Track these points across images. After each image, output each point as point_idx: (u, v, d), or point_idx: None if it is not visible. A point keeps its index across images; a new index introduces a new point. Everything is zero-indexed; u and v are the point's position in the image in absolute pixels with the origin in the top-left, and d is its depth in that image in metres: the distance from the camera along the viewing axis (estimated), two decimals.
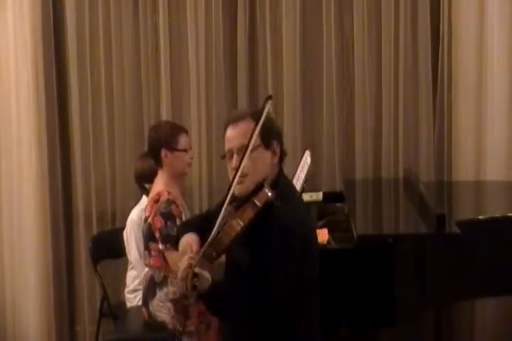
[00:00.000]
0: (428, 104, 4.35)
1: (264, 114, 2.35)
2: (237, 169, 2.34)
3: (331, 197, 3.98)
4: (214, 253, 2.28)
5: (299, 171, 3.73)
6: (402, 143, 4.35)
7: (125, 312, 3.90)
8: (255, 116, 2.39)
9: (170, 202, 3.27)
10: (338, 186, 4.31)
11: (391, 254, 3.06)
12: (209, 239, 2.28)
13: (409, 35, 4.32)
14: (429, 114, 4.35)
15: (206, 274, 2.23)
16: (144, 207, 3.50)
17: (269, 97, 2.38)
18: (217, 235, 2.28)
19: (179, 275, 2.23)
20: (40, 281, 4.50)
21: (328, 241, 3.18)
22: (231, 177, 2.39)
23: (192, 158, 3.52)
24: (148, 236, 3.31)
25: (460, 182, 4.24)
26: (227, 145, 2.43)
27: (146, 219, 3.34)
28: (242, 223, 2.28)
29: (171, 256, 3.19)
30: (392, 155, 4.37)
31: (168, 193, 3.30)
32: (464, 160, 4.29)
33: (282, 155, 2.49)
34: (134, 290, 3.88)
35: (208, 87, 4.46)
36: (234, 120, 2.44)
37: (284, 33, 4.38)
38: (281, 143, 2.48)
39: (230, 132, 2.43)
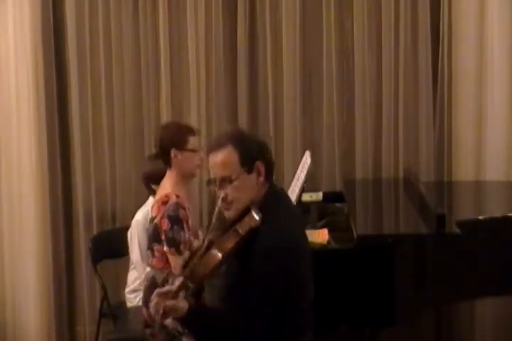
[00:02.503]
0: (428, 104, 4.35)
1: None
2: (222, 199, 2.38)
3: (331, 197, 3.98)
4: (190, 284, 2.28)
5: (299, 171, 3.73)
6: (402, 143, 4.35)
7: (125, 312, 3.90)
8: (235, 142, 2.40)
9: (179, 205, 3.25)
10: (338, 186, 4.31)
11: (391, 254, 3.06)
12: (188, 270, 2.31)
13: (409, 35, 4.32)
14: (429, 114, 4.35)
15: (181, 304, 2.24)
16: (150, 207, 3.49)
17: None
18: (196, 263, 2.32)
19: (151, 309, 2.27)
20: (40, 281, 4.50)
21: (328, 241, 3.17)
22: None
23: (201, 160, 3.49)
24: (153, 237, 3.30)
25: (460, 182, 4.24)
26: (211, 174, 2.45)
27: (152, 220, 3.33)
28: (220, 254, 2.29)
29: (173, 260, 3.19)
30: (392, 155, 4.37)
31: (177, 197, 3.29)
32: (464, 160, 4.29)
33: (270, 170, 2.46)
34: (135, 291, 3.88)
35: (208, 87, 4.46)
36: (214, 148, 2.42)
37: (284, 33, 4.38)
38: (265, 160, 2.45)
39: (210, 161, 2.44)
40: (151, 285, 3.36)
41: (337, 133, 4.41)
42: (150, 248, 3.33)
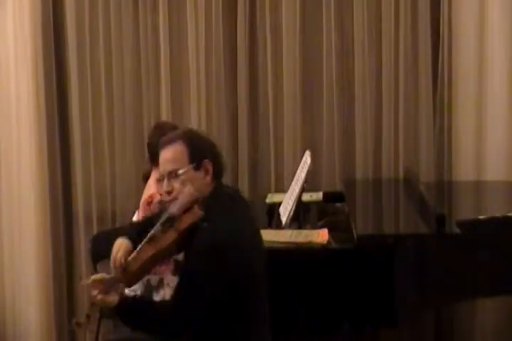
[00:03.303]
0: (428, 104, 4.34)
1: None
2: (168, 193, 2.43)
3: (331, 197, 3.98)
4: (122, 277, 2.35)
5: (299, 171, 3.73)
6: (402, 143, 4.35)
7: None
8: (185, 138, 2.46)
9: (162, 204, 3.25)
10: (338, 186, 4.30)
11: (391, 254, 3.06)
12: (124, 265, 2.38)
13: (409, 35, 4.32)
14: (429, 114, 4.35)
15: (111, 298, 2.29)
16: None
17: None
18: (132, 256, 2.37)
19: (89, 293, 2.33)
20: (40, 281, 4.50)
21: (328, 241, 3.17)
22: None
23: None
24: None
25: (460, 182, 4.24)
26: (161, 169, 2.49)
27: None
28: (154, 249, 2.33)
29: None
30: (392, 155, 4.36)
31: (161, 195, 3.29)
32: (464, 160, 4.28)
33: (219, 171, 2.52)
34: (134, 290, 3.87)
35: (208, 87, 4.45)
36: (164, 144, 2.48)
37: (284, 33, 4.38)
38: (214, 160, 2.50)
39: (161, 157, 2.48)
40: (146, 289, 3.36)
41: (337, 133, 4.41)
42: None
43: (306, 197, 3.84)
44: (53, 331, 4.57)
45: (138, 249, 2.40)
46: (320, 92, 4.43)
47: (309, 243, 3.14)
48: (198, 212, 2.37)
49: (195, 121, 4.44)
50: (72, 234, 4.63)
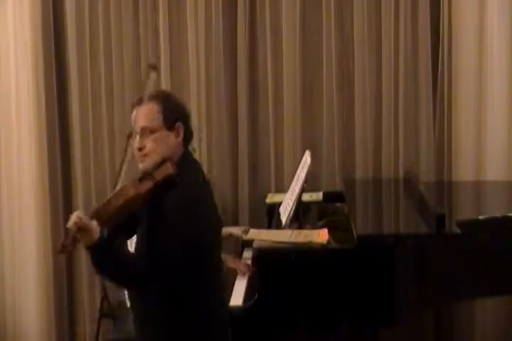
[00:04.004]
0: (428, 104, 4.34)
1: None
2: (139, 149, 2.44)
3: (331, 197, 3.98)
4: (104, 214, 2.33)
5: (299, 171, 3.73)
6: (402, 143, 4.35)
7: (125, 312, 3.89)
8: (156, 96, 2.49)
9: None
10: (338, 186, 4.30)
11: (391, 254, 3.06)
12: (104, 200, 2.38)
13: (409, 35, 4.32)
14: (429, 114, 4.35)
15: (95, 227, 2.27)
16: None
17: (152, 67, 2.50)
18: (110, 198, 2.37)
19: (67, 225, 2.28)
20: (40, 281, 4.51)
21: (328, 241, 3.17)
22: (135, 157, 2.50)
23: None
24: None
25: (460, 182, 4.24)
26: (134, 127, 2.50)
27: None
28: (136, 190, 2.34)
29: None
30: (392, 155, 4.36)
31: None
32: (464, 160, 4.28)
33: (188, 136, 2.54)
34: None
35: (208, 87, 4.46)
36: (139, 102, 2.50)
37: (284, 33, 4.38)
38: (186, 124, 2.52)
39: (134, 115, 2.50)
40: None
41: (337, 133, 4.41)
42: None
43: (306, 197, 3.84)
44: (53, 331, 4.57)
45: (119, 188, 2.44)
46: (320, 92, 4.44)
47: (309, 243, 3.14)
48: (171, 167, 2.39)
49: (195, 121, 4.42)
50: None
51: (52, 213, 4.53)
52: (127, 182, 2.44)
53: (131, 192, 2.36)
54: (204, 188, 2.54)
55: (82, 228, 2.25)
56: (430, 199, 3.42)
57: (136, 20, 4.49)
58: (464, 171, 4.28)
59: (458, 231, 3.13)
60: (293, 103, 4.41)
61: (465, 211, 3.70)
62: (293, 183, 3.68)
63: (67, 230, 2.28)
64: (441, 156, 4.37)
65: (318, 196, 3.98)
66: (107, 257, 2.32)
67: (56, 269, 4.57)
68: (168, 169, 2.38)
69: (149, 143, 2.44)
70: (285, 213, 3.50)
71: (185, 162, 2.50)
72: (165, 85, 4.45)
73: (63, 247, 2.32)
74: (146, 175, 2.39)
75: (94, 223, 2.28)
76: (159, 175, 2.37)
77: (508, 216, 3.36)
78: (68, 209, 4.60)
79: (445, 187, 4.34)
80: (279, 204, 3.72)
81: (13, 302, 4.57)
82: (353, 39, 4.36)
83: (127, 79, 4.52)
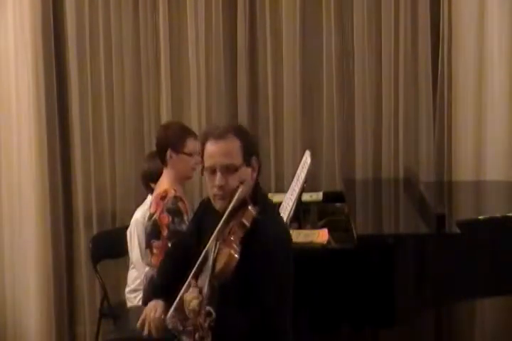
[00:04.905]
0: (428, 104, 4.34)
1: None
2: (220, 187, 2.37)
3: (331, 197, 3.98)
4: (223, 277, 2.27)
5: (299, 171, 3.73)
6: (402, 143, 4.35)
7: (125, 312, 3.89)
8: (237, 132, 2.43)
9: (177, 198, 3.27)
10: (338, 186, 4.30)
11: (391, 254, 3.06)
12: (208, 265, 2.30)
13: (409, 35, 4.32)
14: (429, 114, 4.35)
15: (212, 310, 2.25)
16: (148, 206, 3.49)
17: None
18: (216, 259, 2.28)
19: (191, 307, 2.27)
20: (40, 281, 4.51)
21: (328, 241, 3.18)
22: (211, 193, 2.43)
23: (197, 164, 3.50)
24: (152, 234, 3.30)
25: (460, 182, 4.24)
26: (210, 162, 2.43)
27: (150, 217, 3.33)
28: (237, 248, 2.27)
29: None
30: (392, 155, 4.36)
31: (175, 191, 3.30)
32: (464, 160, 4.28)
33: (259, 168, 2.50)
34: (135, 290, 3.88)
35: (208, 88, 4.46)
36: (216, 136, 2.43)
37: (284, 34, 4.38)
38: (258, 157, 2.50)
39: (213, 149, 2.43)
40: (150, 285, 3.36)
41: (337, 133, 4.41)
42: (149, 246, 3.33)
43: (306, 197, 3.84)
44: (53, 331, 4.57)
45: (219, 247, 2.33)
46: (320, 92, 4.44)
47: (309, 243, 3.14)
48: (253, 209, 2.35)
49: (195, 120, 4.44)
50: (72, 234, 4.63)
51: (52, 213, 4.53)
52: (219, 234, 2.33)
53: (235, 256, 2.26)
54: (283, 222, 2.56)
55: None
56: (430, 199, 3.42)
57: (136, 20, 4.50)
58: (463, 171, 4.28)
59: (458, 231, 3.12)
60: (293, 103, 4.41)
61: (465, 211, 3.70)
62: (293, 183, 3.68)
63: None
64: (441, 156, 4.37)
65: (318, 196, 3.98)
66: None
67: (56, 269, 4.57)
68: (253, 213, 2.33)
69: (233, 182, 2.38)
70: (285, 213, 3.49)
71: (259, 195, 2.48)
72: (165, 85, 4.46)
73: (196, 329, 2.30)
74: (236, 222, 2.33)
75: None
76: (247, 221, 2.32)
77: (508, 216, 3.36)
78: (68, 210, 4.62)
79: (445, 187, 4.34)
80: (279, 204, 3.72)
81: (13, 302, 4.57)
82: (353, 39, 4.36)
83: (127, 79, 4.52)
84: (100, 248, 4.18)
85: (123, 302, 4.00)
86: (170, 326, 3.26)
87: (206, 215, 2.57)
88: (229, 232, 2.31)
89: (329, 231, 3.27)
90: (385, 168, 4.38)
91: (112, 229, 4.49)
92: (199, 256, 2.35)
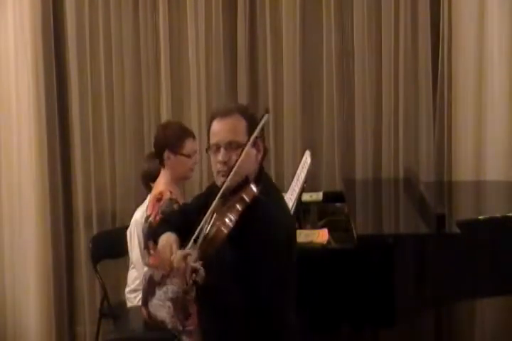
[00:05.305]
0: (428, 104, 4.35)
1: (259, 127, 2.37)
2: (224, 163, 2.37)
3: (331, 197, 3.98)
4: (209, 250, 2.26)
5: (299, 171, 3.73)
6: (402, 143, 4.35)
7: (125, 312, 3.90)
8: (243, 112, 2.43)
9: (173, 201, 3.26)
10: (338, 186, 4.30)
11: (391, 254, 3.06)
12: (201, 236, 2.27)
13: (409, 35, 4.32)
14: (429, 114, 4.35)
15: (202, 269, 2.21)
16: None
17: (267, 111, 2.42)
18: (208, 232, 2.27)
19: (176, 264, 2.23)
20: (40, 281, 4.51)
21: (328, 241, 3.17)
22: (215, 170, 2.42)
23: (196, 164, 3.50)
24: (149, 236, 3.30)
25: (460, 182, 4.24)
26: (214, 139, 2.43)
27: (147, 218, 3.33)
28: (233, 219, 2.27)
29: None
30: (392, 155, 4.36)
31: (171, 193, 3.30)
32: (464, 160, 4.28)
33: (265, 152, 2.50)
34: (135, 290, 3.88)
35: (208, 87, 4.46)
36: (221, 114, 2.44)
37: (284, 33, 4.38)
38: (263, 141, 2.49)
39: (218, 126, 2.43)
40: (149, 285, 3.36)
41: (337, 133, 4.41)
42: (146, 247, 3.33)
43: (306, 197, 3.84)
44: (53, 331, 4.57)
45: (216, 216, 2.32)
46: (320, 92, 4.44)
47: (309, 243, 3.14)
48: (255, 188, 2.33)
49: (195, 120, 4.44)
50: (72, 234, 4.63)
51: (52, 213, 4.53)
52: (218, 207, 2.33)
53: (229, 225, 2.26)
54: (286, 205, 2.55)
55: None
56: (430, 199, 3.42)
57: (136, 20, 4.50)
58: (463, 171, 4.28)
59: (458, 231, 3.12)
60: (293, 103, 4.41)
61: (465, 211, 3.70)
62: (293, 183, 3.68)
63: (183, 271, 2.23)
64: (441, 156, 4.37)
65: (318, 196, 3.98)
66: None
67: (56, 269, 4.57)
68: (253, 190, 2.32)
69: (235, 157, 2.37)
70: None
71: (263, 177, 2.47)
72: (165, 85, 4.46)
73: (185, 293, 2.30)
74: (232, 198, 2.32)
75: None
76: (248, 197, 2.31)
77: (508, 216, 3.36)
78: (68, 210, 4.62)
79: (445, 187, 4.34)
80: None
81: (13, 302, 4.58)
82: (353, 39, 4.36)
83: (127, 79, 4.52)
84: (100, 248, 4.18)
85: (123, 303, 4.00)
86: (170, 326, 3.26)
87: (211, 196, 2.55)
88: (227, 207, 2.31)
89: (329, 231, 3.27)
90: (385, 167, 4.38)
91: (112, 229, 4.50)
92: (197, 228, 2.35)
